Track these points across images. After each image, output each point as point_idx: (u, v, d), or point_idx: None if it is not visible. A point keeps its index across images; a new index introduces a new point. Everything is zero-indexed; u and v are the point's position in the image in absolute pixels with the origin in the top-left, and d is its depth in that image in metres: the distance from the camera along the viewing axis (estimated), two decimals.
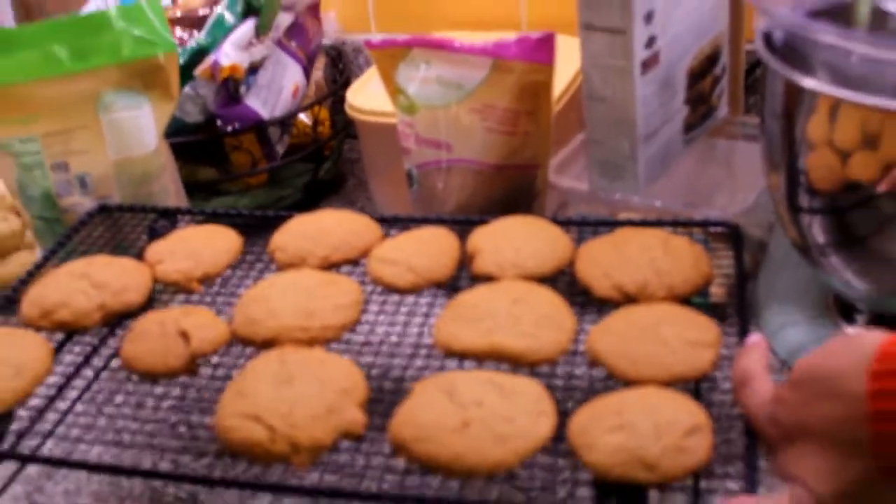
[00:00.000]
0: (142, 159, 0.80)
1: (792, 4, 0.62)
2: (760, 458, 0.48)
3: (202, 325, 0.60)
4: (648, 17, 0.67)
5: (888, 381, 0.40)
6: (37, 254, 0.86)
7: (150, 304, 0.67)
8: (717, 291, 0.70)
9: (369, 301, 0.64)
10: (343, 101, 0.95)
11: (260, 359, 0.57)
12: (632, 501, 0.47)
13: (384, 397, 0.56)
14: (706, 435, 0.48)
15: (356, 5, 1.08)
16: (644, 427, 0.48)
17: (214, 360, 0.61)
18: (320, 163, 0.95)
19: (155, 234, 0.75)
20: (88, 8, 0.99)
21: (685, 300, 0.60)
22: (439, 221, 0.71)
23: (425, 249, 0.66)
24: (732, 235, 0.66)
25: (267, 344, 0.59)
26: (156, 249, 0.70)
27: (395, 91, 0.80)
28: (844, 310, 0.71)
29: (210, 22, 0.86)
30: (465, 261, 0.67)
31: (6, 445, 0.57)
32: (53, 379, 0.61)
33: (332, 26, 1.03)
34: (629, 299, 0.60)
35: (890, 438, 0.39)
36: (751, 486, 0.47)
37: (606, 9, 0.68)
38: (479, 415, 0.50)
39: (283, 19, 0.88)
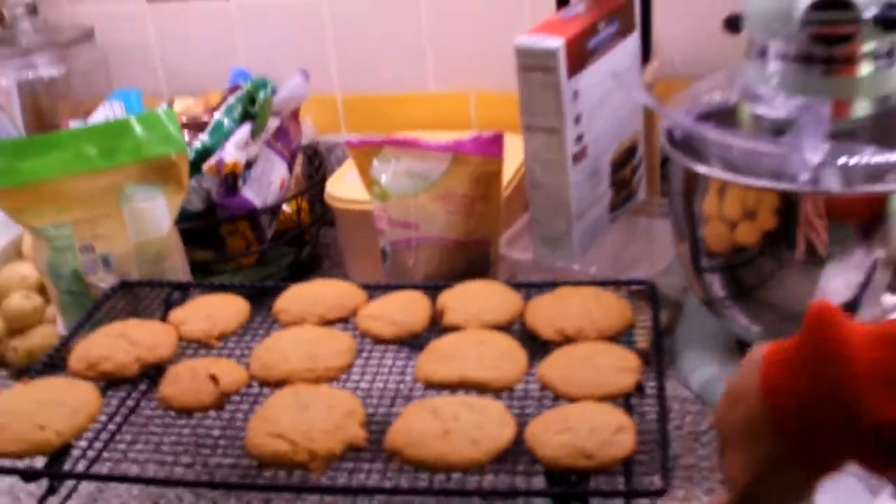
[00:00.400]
0: (157, 242, 0.94)
1: (686, 109, 0.79)
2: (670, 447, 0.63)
3: (227, 370, 0.74)
4: (577, 119, 0.84)
5: (773, 371, 0.52)
6: (58, 327, 0.99)
7: (176, 357, 0.80)
8: (641, 341, 0.85)
9: (360, 350, 0.78)
10: (320, 192, 1.11)
11: (278, 394, 0.71)
12: (577, 484, 0.62)
13: (377, 420, 0.70)
14: (630, 433, 0.64)
15: (329, 111, 1.24)
16: (583, 429, 0.63)
17: (235, 398, 0.74)
18: (302, 246, 1.10)
19: (171, 304, 0.89)
20: (97, 116, 1.13)
21: (613, 340, 0.76)
22: (412, 287, 0.86)
23: (403, 307, 0.81)
24: (650, 292, 0.82)
25: (280, 383, 0.73)
26: (177, 314, 0.84)
27: (370, 182, 0.95)
28: (745, 350, 0.87)
29: (211, 126, 1.02)
30: (435, 317, 0.81)
31: (66, 468, 0.70)
32: (101, 417, 0.74)
33: (309, 129, 1.19)
34: (569, 340, 0.75)
35: (781, 411, 0.51)
36: (665, 468, 0.62)
37: (543, 113, 0.84)
38: (456, 426, 0.65)
39: (272, 124, 1.04)
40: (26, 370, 0.92)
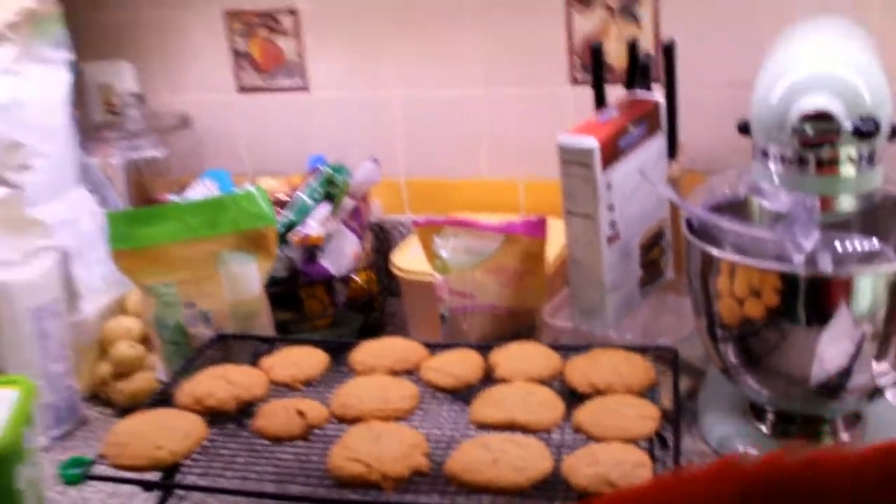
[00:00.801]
0: (249, 302, 1.09)
1: (703, 202, 0.94)
2: None
3: (312, 407, 0.89)
4: (610, 207, 0.99)
5: None
6: (157, 373, 1.14)
7: (267, 397, 0.95)
8: (665, 399, 0.98)
9: (423, 397, 0.92)
10: (386, 264, 1.26)
11: (355, 428, 0.85)
12: None
13: (437, 452, 0.84)
14: (648, 468, 0.77)
15: (394, 194, 1.40)
16: (609, 463, 0.77)
17: (318, 431, 0.89)
18: (370, 312, 1.25)
19: (259, 355, 1.04)
20: (193, 192, 1.30)
21: (639, 395, 0.89)
22: (468, 346, 1.00)
23: (460, 362, 0.95)
24: (672, 357, 0.95)
25: (356, 420, 0.87)
26: (267, 361, 0.99)
27: (432, 256, 1.10)
28: (757, 411, 1.00)
29: (295, 204, 1.18)
30: (487, 372, 0.95)
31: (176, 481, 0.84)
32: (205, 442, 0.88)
33: (377, 209, 1.35)
34: (600, 392, 0.89)
35: None
36: None
37: (581, 201, 0.99)
38: (504, 457, 0.79)
39: (347, 204, 1.20)
40: (129, 409, 1.07)
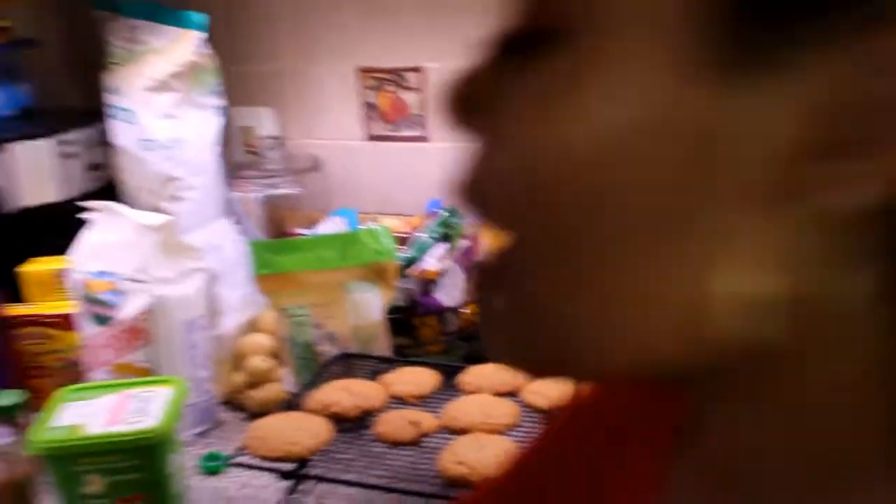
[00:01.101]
0: (370, 326, 1.22)
1: None
2: None
3: (425, 418, 1.01)
4: None
5: None
6: (285, 384, 1.28)
7: (385, 408, 1.07)
8: None
9: (523, 416, 1.04)
10: None
11: (462, 438, 0.97)
12: None
13: None
14: None
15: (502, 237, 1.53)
16: None
17: (429, 439, 1.01)
18: (476, 341, 1.37)
19: (377, 374, 1.17)
20: (323, 227, 1.45)
21: None
22: None
23: (557, 387, 1.06)
24: None
25: (463, 431, 0.99)
26: (386, 377, 1.12)
27: None
28: None
29: (415, 242, 1.32)
30: None
31: (305, 472, 0.97)
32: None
33: (485, 249, 1.48)
34: None
35: None
36: None
37: None
38: None
39: (462, 244, 1.33)
40: (259, 415, 1.20)
